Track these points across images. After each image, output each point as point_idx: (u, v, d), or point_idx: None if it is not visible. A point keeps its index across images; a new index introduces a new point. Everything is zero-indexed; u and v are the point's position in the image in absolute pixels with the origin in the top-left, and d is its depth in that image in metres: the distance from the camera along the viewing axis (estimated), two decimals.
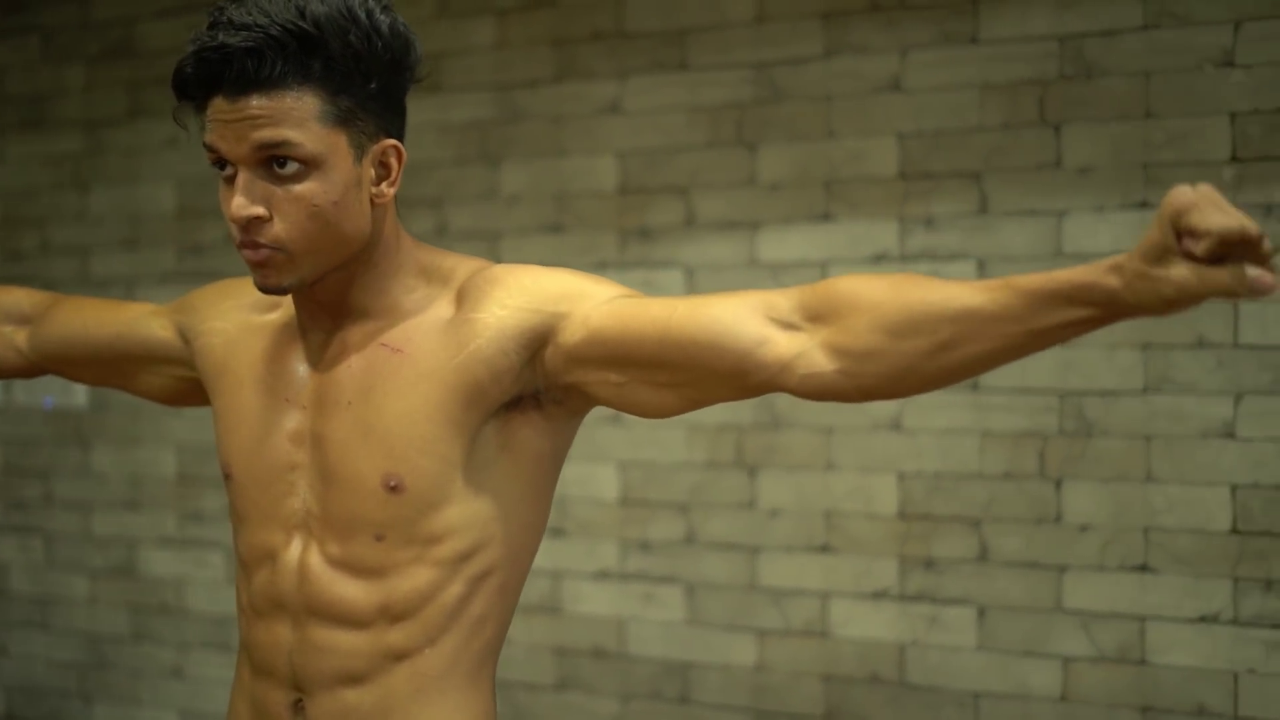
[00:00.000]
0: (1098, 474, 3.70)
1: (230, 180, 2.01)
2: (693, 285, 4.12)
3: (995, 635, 3.80)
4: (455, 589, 2.09)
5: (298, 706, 2.15)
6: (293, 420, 2.14)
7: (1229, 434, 3.56)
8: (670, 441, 4.19)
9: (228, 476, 2.23)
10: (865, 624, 3.96)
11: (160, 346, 2.36)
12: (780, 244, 4.01)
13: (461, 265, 2.12)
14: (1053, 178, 3.69)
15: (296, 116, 1.96)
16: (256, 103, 1.95)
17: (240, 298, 2.28)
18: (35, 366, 2.49)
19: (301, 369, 2.17)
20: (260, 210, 1.99)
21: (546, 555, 4.33)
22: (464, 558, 2.09)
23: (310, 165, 1.98)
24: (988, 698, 3.79)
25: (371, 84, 2.01)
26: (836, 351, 1.83)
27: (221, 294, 2.32)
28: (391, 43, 2.00)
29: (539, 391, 2.07)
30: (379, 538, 2.07)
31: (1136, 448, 3.65)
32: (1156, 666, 3.64)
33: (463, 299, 2.07)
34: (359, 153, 2.01)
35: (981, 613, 3.81)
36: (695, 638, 4.16)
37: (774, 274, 4.00)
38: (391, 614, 2.09)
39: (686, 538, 4.19)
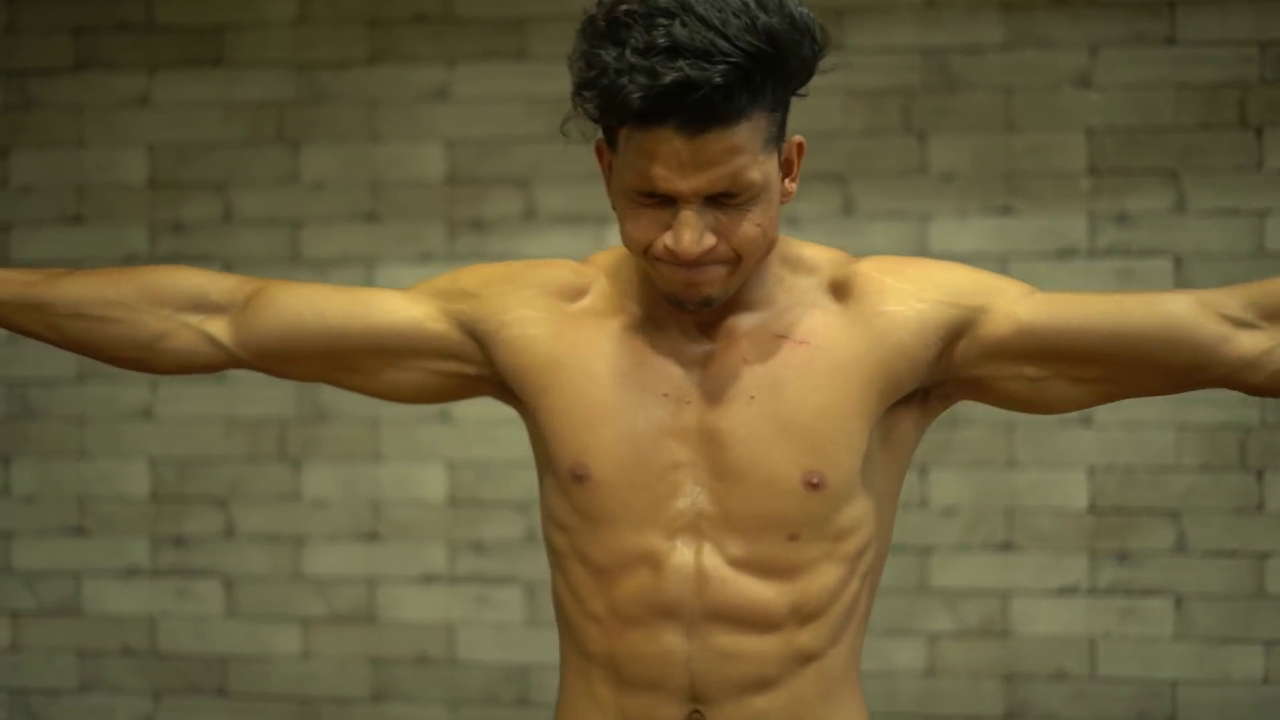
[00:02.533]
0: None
1: (653, 206, 1.88)
2: None
3: None
4: (853, 586, 2.05)
5: (693, 718, 2.03)
6: (676, 416, 2.01)
7: None
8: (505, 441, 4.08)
9: (580, 477, 2.05)
10: None
11: (427, 339, 2.10)
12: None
13: (818, 254, 2.06)
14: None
15: (751, 149, 1.85)
16: (715, 139, 1.83)
17: (536, 284, 2.08)
18: (234, 360, 2.14)
19: (675, 362, 2.03)
20: (712, 241, 1.89)
21: (363, 561, 4.12)
22: (859, 554, 2.05)
23: (759, 193, 1.90)
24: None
25: (800, 90, 1.93)
26: None
27: (509, 280, 2.09)
28: (822, 46, 1.90)
29: (931, 386, 2.06)
30: (793, 537, 1.99)
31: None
32: None
33: (847, 291, 2.02)
34: (780, 159, 1.94)
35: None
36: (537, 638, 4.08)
37: None
38: (802, 615, 2.02)
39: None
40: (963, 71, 3.89)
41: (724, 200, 1.87)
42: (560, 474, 2.06)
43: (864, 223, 3.94)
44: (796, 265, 2.03)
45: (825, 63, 1.91)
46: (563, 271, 2.09)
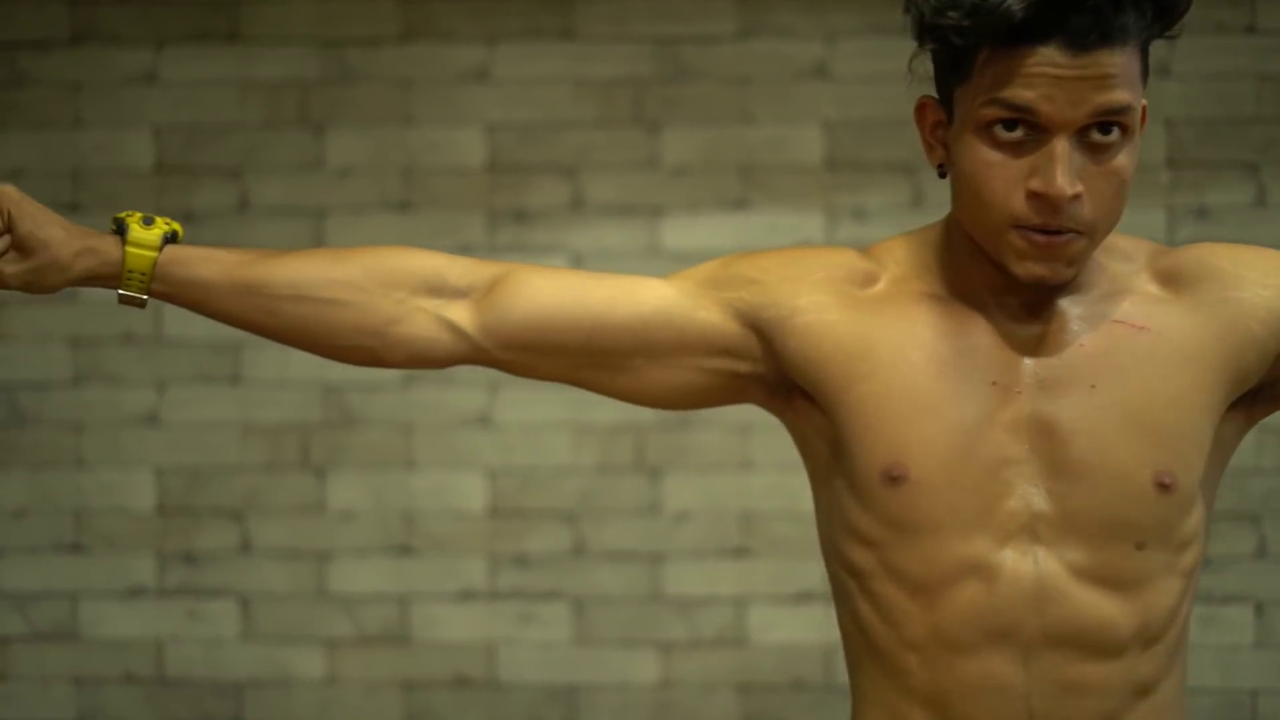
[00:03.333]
0: None
1: (1011, 152, 1.71)
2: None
3: None
4: (1185, 606, 1.87)
5: None
6: (1004, 406, 1.80)
7: None
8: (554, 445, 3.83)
9: (896, 479, 1.82)
10: (786, 628, 3.81)
11: (701, 332, 1.87)
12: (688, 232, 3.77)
13: (1128, 241, 1.91)
14: None
15: (1130, 75, 1.73)
16: (1101, 59, 1.69)
17: (823, 269, 1.87)
18: (476, 351, 1.89)
19: (1000, 347, 1.83)
20: (1080, 188, 1.72)
21: (394, 577, 3.83)
22: (1193, 569, 1.87)
23: (1128, 135, 1.74)
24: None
25: (1168, 33, 1.76)
26: None
27: (793, 264, 1.88)
28: None
29: (1266, 384, 1.88)
30: (1140, 545, 1.80)
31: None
32: None
33: (1178, 277, 1.86)
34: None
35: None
36: (585, 658, 3.83)
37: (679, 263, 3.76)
38: (1145, 637, 1.82)
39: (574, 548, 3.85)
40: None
41: (1097, 139, 1.71)
42: (866, 477, 1.84)
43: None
44: (1111, 250, 1.88)
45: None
46: (849, 257, 1.90)
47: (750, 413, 3.73)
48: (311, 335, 1.87)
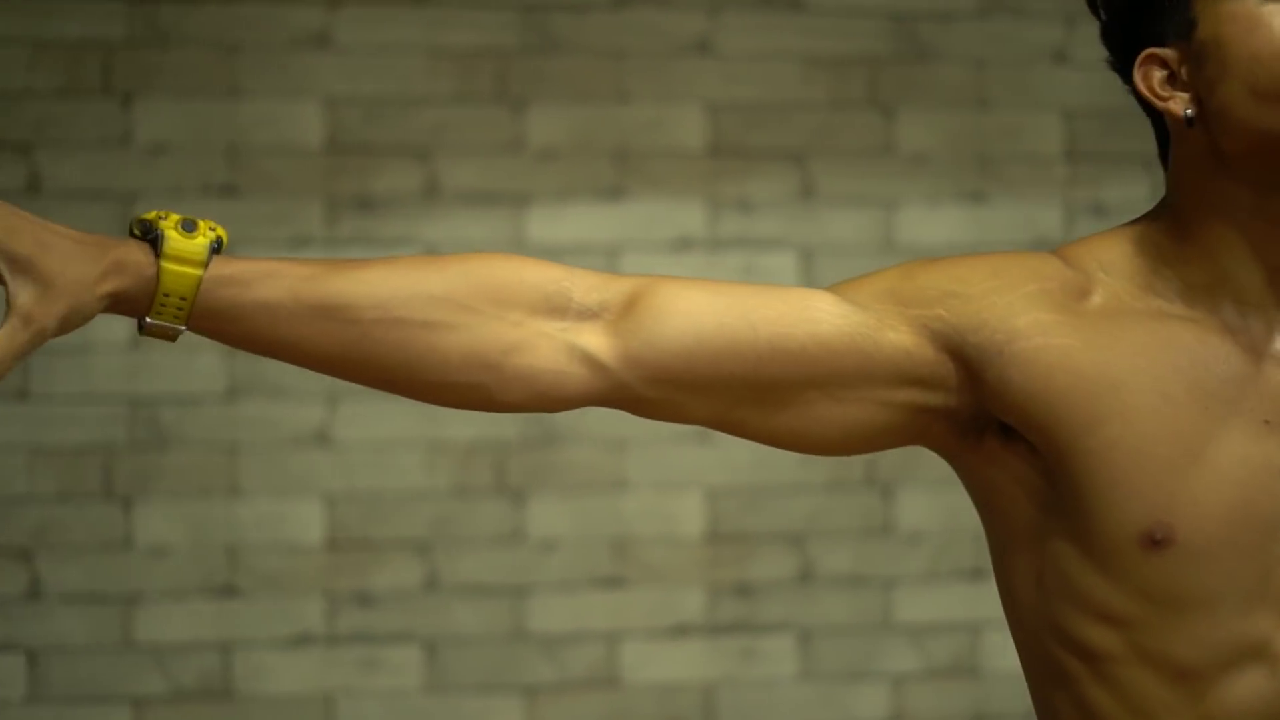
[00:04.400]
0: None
1: None
2: None
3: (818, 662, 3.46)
4: None
5: None
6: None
7: None
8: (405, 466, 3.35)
9: (1159, 542, 1.49)
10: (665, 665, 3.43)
11: (893, 359, 1.51)
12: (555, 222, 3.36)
13: None
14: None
15: None
16: None
17: (1033, 278, 1.52)
18: (616, 387, 1.47)
19: (1265, 375, 1.50)
20: None
21: (215, 622, 3.29)
22: None
23: None
24: None
25: None
26: None
27: (997, 273, 1.53)
28: None
29: None
30: None
31: None
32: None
33: None
34: None
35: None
36: (438, 706, 3.37)
37: (547, 258, 3.35)
38: None
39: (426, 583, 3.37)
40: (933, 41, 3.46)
41: None
42: (1116, 541, 1.49)
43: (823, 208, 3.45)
44: None
45: None
46: (1055, 264, 1.55)
47: (624, 426, 3.36)
48: (407, 369, 1.43)
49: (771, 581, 3.47)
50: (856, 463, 3.47)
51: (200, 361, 3.29)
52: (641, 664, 3.42)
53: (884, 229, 3.47)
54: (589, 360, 1.44)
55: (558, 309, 1.44)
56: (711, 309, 1.46)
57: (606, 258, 3.40)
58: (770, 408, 1.49)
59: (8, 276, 1.32)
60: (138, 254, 1.36)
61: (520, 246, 3.37)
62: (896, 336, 1.48)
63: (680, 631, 3.44)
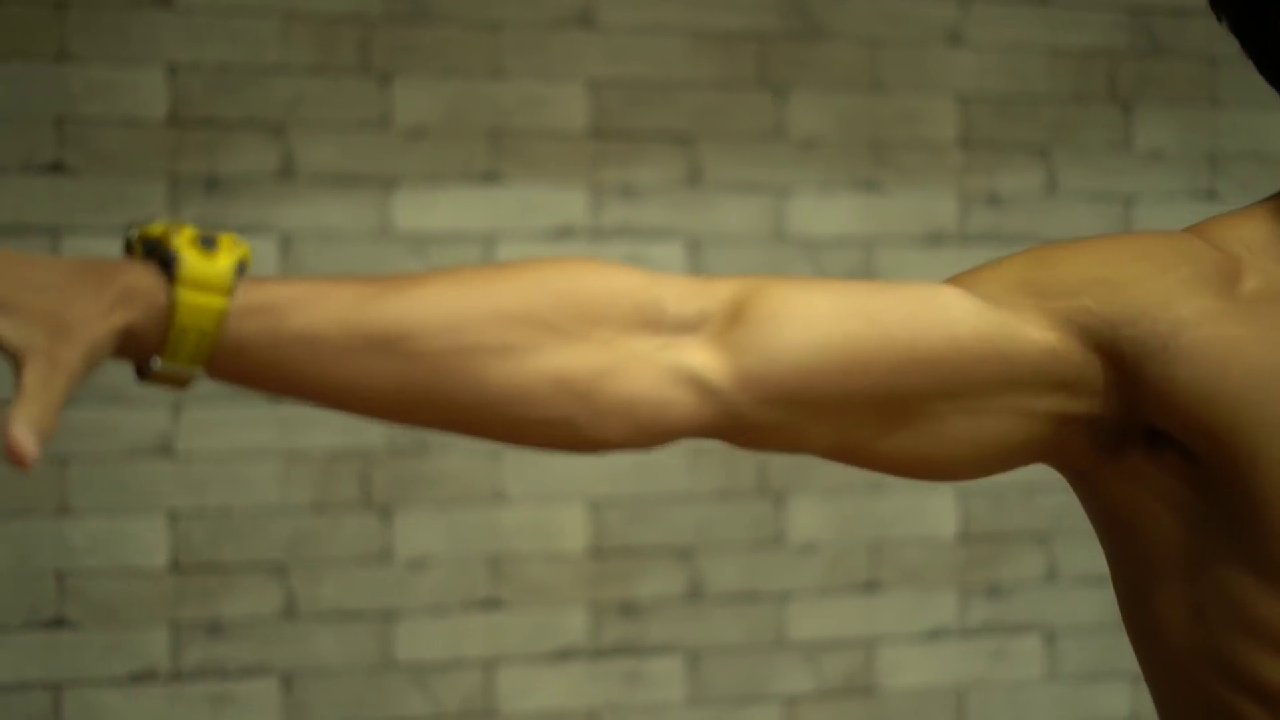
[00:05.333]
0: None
1: None
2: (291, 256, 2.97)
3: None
4: None
5: None
6: None
7: None
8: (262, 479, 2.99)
9: None
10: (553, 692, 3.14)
11: (1037, 362, 1.29)
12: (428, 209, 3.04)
13: None
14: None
15: None
16: None
17: (1185, 262, 1.32)
18: (729, 415, 1.22)
19: None
20: None
21: (43, 659, 2.90)
22: None
23: None
24: None
25: None
26: None
27: (1147, 255, 1.32)
28: None
29: None
30: None
31: None
32: None
33: None
34: None
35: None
36: None
37: (417, 246, 3.04)
38: None
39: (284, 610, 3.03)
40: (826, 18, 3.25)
41: None
42: None
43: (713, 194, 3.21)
44: None
45: None
46: (1196, 243, 1.34)
47: None
48: (484, 407, 1.17)
49: (658, 599, 3.21)
50: (747, 469, 3.23)
51: None
52: (520, 692, 3.13)
53: (775, 218, 3.24)
54: (696, 383, 1.20)
55: (651, 322, 1.19)
56: (833, 313, 1.23)
57: (481, 247, 3.10)
58: (895, 427, 1.27)
59: None
60: (147, 278, 1.06)
61: (386, 234, 3.05)
62: (1039, 334, 1.27)
63: (562, 656, 3.15)
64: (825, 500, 3.28)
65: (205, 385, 2.98)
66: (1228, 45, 3.52)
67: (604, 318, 1.17)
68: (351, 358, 1.12)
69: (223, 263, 1.07)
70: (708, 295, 1.21)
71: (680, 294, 1.20)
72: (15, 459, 0.95)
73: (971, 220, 3.35)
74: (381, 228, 3.05)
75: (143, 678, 2.95)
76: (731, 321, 1.21)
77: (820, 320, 1.22)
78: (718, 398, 1.19)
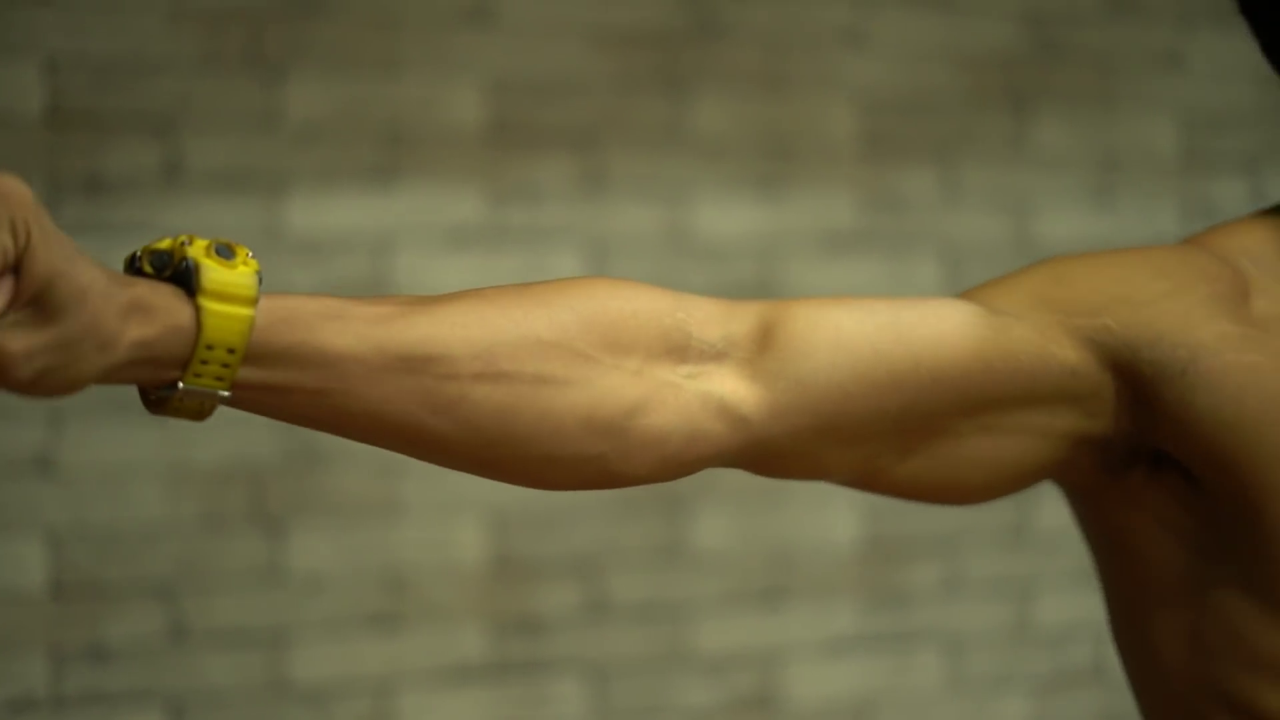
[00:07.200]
0: None
1: None
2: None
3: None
4: None
5: None
6: None
7: None
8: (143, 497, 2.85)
9: None
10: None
11: (1058, 380, 1.26)
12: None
13: None
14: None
15: None
16: None
17: (1203, 281, 1.29)
18: (757, 444, 1.18)
19: None
20: None
21: None
22: None
23: None
24: None
25: None
26: None
27: (1160, 273, 1.29)
28: None
29: None
30: None
31: None
32: None
33: None
34: None
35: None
36: None
37: (309, 252, 2.93)
38: None
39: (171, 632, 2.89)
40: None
41: None
42: None
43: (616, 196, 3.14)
44: None
45: None
46: (1210, 259, 1.32)
47: None
48: (514, 442, 1.09)
49: (559, 613, 3.12)
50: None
51: None
52: (419, 712, 3.02)
53: (675, 219, 3.18)
54: (726, 413, 1.15)
55: (677, 348, 1.15)
56: (862, 334, 1.20)
57: (375, 249, 2.99)
58: (915, 450, 1.25)
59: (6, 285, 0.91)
60: (162, 293, 0.95)
61: (276, 236, 2.93)
62: (1061, 352, 1.25)
63: (461, 673, 3.05)
64: (727, 509, 3.22)
65: (84, 396, 2.83)
66: (1121, 49, 3.54)
67: (632, 345, 1.12)
68: (381, 379, 1.04)
69: (244, 271, 0.97)
70: (732, 319, 1.17)
71: (705, 318, 1.15)
72: None
73: (870, 222, 3.33)
74: (272, 229, 2.93)
75: (21, 709, 2.79)
76: (760, 348, 1.17)
77: (848, 343, 1.19)
78: (748, 427, 1.16)
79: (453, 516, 3.03)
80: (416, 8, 3.00)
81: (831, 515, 3.33)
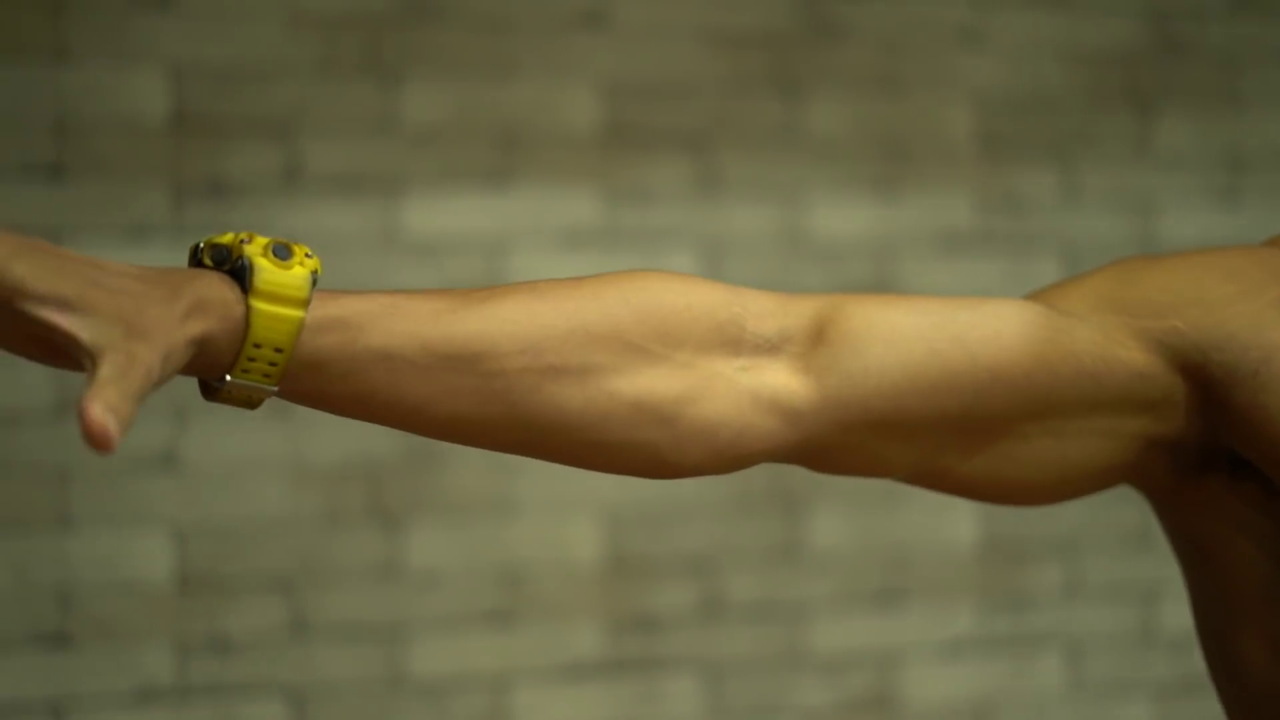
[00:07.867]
0: None
1: None
2: None
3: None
4: None
5: None
6: None
7: None
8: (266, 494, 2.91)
9: None
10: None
11: (1126, 382, 1.24)
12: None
13: None
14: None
15: None
16: None
17: (1273, 282, 1.26)
18: (809, 439, 1.18)
19: None
20: None
21: (43, 677, 2.81)
22: None
23: None
24: None
25: None
26: None
27: (1232, 275, 1.27)
28: None
29: None
30: None
31: None
32: None
33: None
34: None
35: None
36: None
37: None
38: None
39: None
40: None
41: None
42: None
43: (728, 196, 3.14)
44: None
45: None
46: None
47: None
48: (563, 431, 1.11)
49: (674, 612, 3.13)
50: (762, 477, 3.16)
51: (22, 372, 2.81)
52: (533, 708, 3.04)
53: (789, 220, 3.18)
54: (779, 407, 1.15)
55: (731, 341, 1.15)
56: (918, 332, 1.19)
57: (490, 251, 3.02)
58: (978, 450, 1.23)
59: (60, 319, 0.93)
60: (220, 289, 0.99)
61: (393, 238, 2.97)
62: (1128, 355, 1.23)
63: (576, 671, 3.07)
64: (843, 509, 3.21)
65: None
66: (1246, 45, 3.47)
67: (685, 337, 1.13)
68: (429, 376, 1.05)
69: (298, 273, 1.00)
70: (788, 314, 1.17)
71: (760, 312, 1.15)
72: (95, 439, 0.87)
73: (988, 223, 3.29)
74: (389, 232, 2.98)
75: (147, 696, 2.86)
76: (814, 342, 1.16)
77: (904, 340, 1.17)
78: (800, 422, 1.15)
79: (567, 514, 3.05)
80: (531, 11, 3.04)
81: (950, 516, 3.30)
